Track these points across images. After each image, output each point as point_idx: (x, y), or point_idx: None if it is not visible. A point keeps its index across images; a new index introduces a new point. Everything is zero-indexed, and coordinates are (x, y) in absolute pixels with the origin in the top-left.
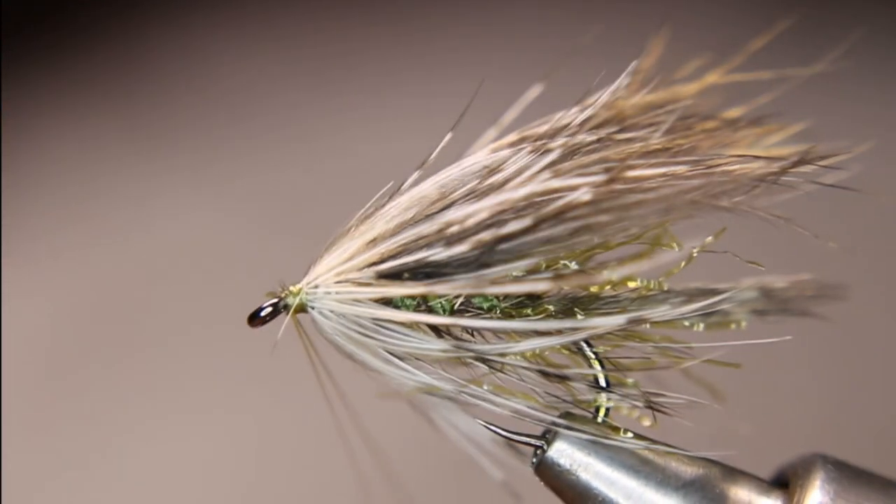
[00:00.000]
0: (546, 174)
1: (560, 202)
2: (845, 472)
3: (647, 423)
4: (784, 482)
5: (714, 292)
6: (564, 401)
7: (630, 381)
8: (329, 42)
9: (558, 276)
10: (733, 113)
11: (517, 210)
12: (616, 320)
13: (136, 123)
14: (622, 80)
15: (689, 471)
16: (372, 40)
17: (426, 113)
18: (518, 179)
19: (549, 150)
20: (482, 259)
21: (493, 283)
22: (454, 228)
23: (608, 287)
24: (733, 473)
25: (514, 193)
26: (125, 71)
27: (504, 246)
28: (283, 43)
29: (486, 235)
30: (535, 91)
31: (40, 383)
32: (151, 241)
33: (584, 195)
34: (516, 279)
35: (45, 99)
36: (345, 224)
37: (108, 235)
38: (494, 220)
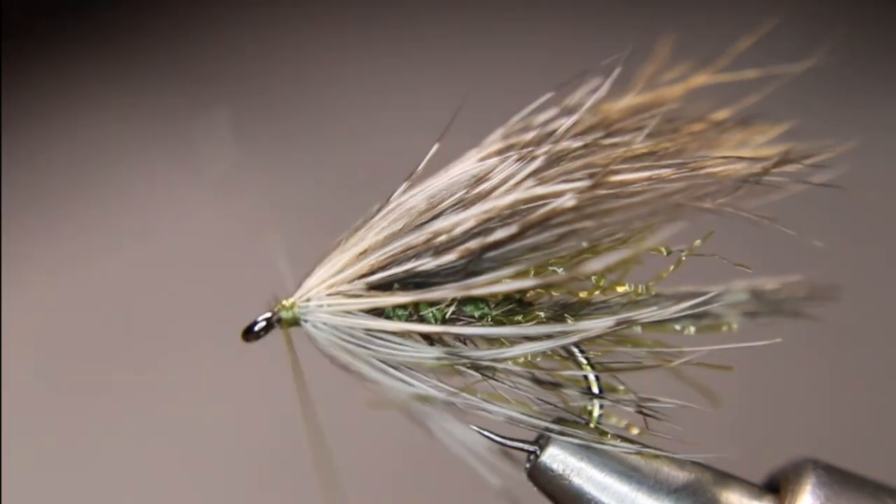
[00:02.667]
0: (531, 181)
1: (545, 209)
2: (836, 477)
3: (637, 428)
4: (775, 487)
5: (704, 295)
6: (557, 407)
7: (622, 386)
8: (318, 53)
9: (545, 280)
10: (719, 115)
11: (503, 218)
12: (604, 322)
13: (135, 134)
14: (607, 85)
15: (680, 475)
16: (362, 52)
17: (414, 125)
18: (503, 187)
19: (534, 158)
20: (470, 267)
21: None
22: (442, 238)
23: (597, 292)
24: (725, 478)
25: (500, 201)
26: (126, 71)
27: (491, 254)
28: (281, 47)
29: (473, 244)
30: (524, 98)
31: (36, 388)
32: (145, 256)
33: (568, 201)
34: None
35: (47, 98)
36: (335, 236)
37: (100, 246)
38: (481, 229)
